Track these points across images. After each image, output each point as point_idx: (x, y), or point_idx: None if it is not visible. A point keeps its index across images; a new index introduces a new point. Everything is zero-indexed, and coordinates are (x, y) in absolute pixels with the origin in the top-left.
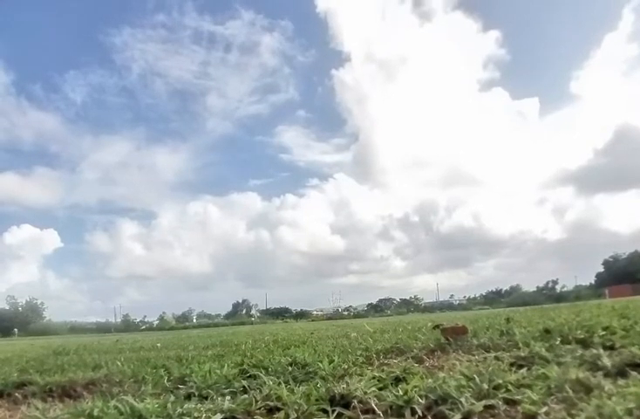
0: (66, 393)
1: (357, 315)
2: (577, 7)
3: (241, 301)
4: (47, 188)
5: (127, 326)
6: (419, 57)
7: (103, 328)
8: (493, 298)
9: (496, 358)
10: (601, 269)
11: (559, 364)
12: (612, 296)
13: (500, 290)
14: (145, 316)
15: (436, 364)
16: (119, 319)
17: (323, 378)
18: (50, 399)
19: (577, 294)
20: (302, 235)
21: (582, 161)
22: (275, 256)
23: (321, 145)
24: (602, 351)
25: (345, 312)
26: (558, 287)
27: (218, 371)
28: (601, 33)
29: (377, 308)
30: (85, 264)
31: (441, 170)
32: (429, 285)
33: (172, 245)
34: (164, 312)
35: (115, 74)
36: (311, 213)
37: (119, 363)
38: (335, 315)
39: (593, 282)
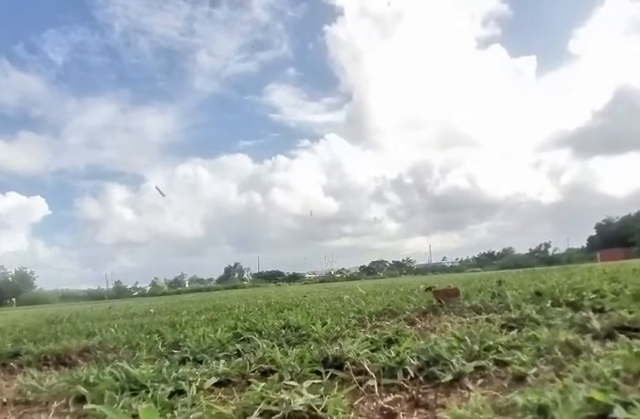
0: (61, 361)
1: (350, 278)
2: None
3: (233, 265)
4: (32, 154)
5: (119, 292)
6: (416, 12)
7: (95, 295)
8: (486, 261)
9: (487, 320)
10: (593, 233)
11: (549, 326)
12: (604, 260)
13: (493, 252)
14: (137, 282)
15: (428, 326)
16: (110, 286)
17: (316, 340)
18: (45, 367)
19: (569, 257)
20: (295, 197)
21: (580, 122)
22: (267, 219)
23: (312, 104)
24: (591, 314)
25: (338, 275)
26: (550, 250)
27: (212, 335)
28: None
29: (369, 270)
30: (74, 231)
31: (436, 131)
32: (422, 247)
33: (162, 210)
34: (156, 278)
35: (97, 32)
36: (303, 175)
37: (112, 330)
38: (327, 278)
39: (585, 246)
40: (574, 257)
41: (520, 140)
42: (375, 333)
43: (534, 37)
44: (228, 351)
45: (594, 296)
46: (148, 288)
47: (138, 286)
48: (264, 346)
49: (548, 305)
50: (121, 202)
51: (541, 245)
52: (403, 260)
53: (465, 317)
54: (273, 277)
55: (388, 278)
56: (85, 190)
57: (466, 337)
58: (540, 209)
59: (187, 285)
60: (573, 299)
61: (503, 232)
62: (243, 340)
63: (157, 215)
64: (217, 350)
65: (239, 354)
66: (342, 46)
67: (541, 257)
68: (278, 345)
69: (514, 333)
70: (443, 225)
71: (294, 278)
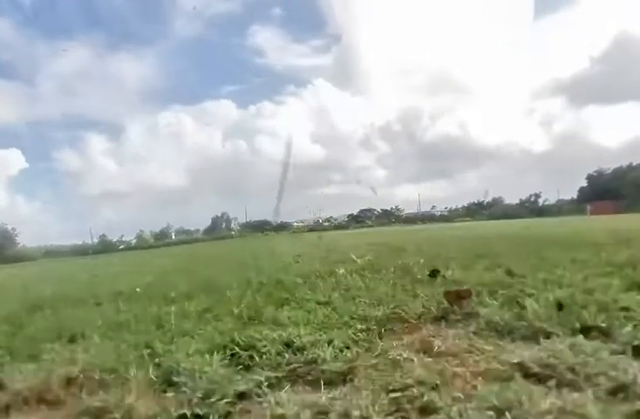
0: None
1: (338, 226)
2: None
3: (220, 215)
4: (5, 103)
5: (105, 246)
6: None
7: (80, 251)
8: (475, 211)
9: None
10: (585, 184)
11: None
12: (594, 212)
13: (482, 202)
14: (122, 235)
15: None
16: (95, 240)
17: None
18: None
19: (559, 209)
20: (281, 144)
21: (576, 69)
22: (254, 167)
23: (299, 47)
24: None
25: (326, 224)
26: (540, 201)
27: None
28: None
29: (357, 219)
30: (54, 184)
31: (427, 76)
32: (410, 195)
33: (145, 159)
34: (141, 230)
35: None
36: (290, 121)
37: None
38: (316, 227)
39: (576, 197)
40: (564, 209)
41: (513, 86)
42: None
43: None
44: None
45: None
46: (134, 241)
47: (123, 240)
48: None
49: None
50: (101, 152)
51: (531, 196)
52: (391, 209)
53: (486, 340)
54: (261, 226)
55: (377, 228)
56: (63, 141)
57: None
58: (531, 159)
59: (173, 237)
60: None
61: (493, 181)
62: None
63: (140, 165)
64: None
65: None
66: None
67: (531, 208)
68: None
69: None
70: (432, 173)
71: (282, 227)
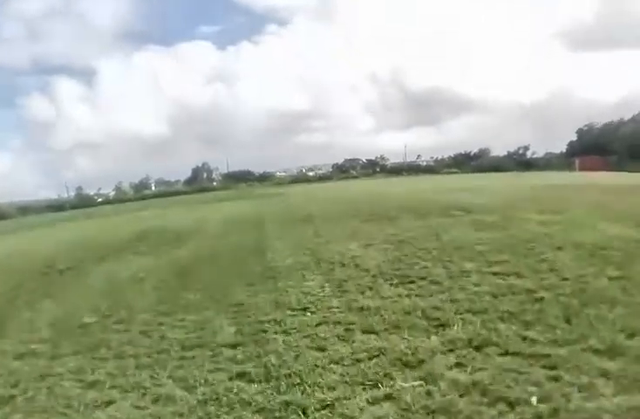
0: None
1: (323, 177)
2: None
3: (200, 165)
4: None
5: (82, 200)
6: None
7: (56, 206)
8: (462, 161)
9: None
10: (574, 138)
11: None
12: (582, 168)
13: (470, 153)
14: (100, 188)
15: None
16: (72, 193)
17: None
18: None
19: (547, 162)
20: (262, 89)
21: (571, 16)
22: (235, 113)
23: None
24: None
25: (311, 173)
26: (529, 154)
27: None
28: None
29: (342, 169)
30: (24, 134)
31: (417, 21)
32: (396, 144)
33: (120, 106)
34: (120, 182)
35: None
36: (271, 64)
37: None
38: (299, 177)
39: (565, 151)
40: (552, 163)
41: (505, 34)
42: None
43: None
44: None
45: None
46: (112, 194)
47: (101, 193)
48: None
49: None
50: (73, 98)
51: (519, 148)
52: (376, 158)
53: None
54: (243, 177)
55: (362, 179)
56: (32, 87)
57: None
58: (521, 109)
59: (153, 188)
60: None
61: (481, 131)
62: None
63: (115, 112)
64: None
65: None
66: None
67: (519, 161)
68: None
69: None
70: (419, 121)
71: (264, 177)
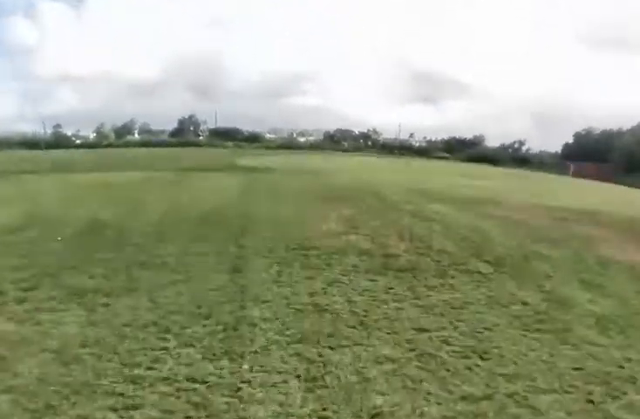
0: None
1: (314, 146)
2: None
3: (187, 117)
4: None
5: (58, 140)
6: None
7: (31, 143)
8: (455, 147)
9: None
10: (570, 140)
11: None
12: (576, 174)
13: (464, 139)
14: (79, 130)
15: None
16: (49, 131)
17: None
18: None
19: (541, 160)
20: (261, 44)
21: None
22: (229, 65)
23: None
24: None
25: (302, 139)
26: (524, 149)
27: None
28: None
29: (333, 139)
30: (4, 59)
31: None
32: (390, 118)
33: (110, 40)
34: (102, 124)
35: None
36: (272, 21)
37: None
38: (289, 142)
39: (559, 151)
40: (546, 162)
41: (518, 24)
42: None
43: None
44: None
45: None
46: (92, 136)
47: (80, 134)
48: None
49: None
50: (60, 24)
51: (515, 142)
52: (369, 130)
53: None
54: (231, 134)
55: (352, 153)
56: (15, 8)
57: None
58: (521, 102)
59: (136, 135)
60: None
61: (478, 117)
62: None
63: (104, 46)
64: None
65: None
66: None
67: (513, 155)
68: None
69: None
70: (417, 98)
71: (253, 138)
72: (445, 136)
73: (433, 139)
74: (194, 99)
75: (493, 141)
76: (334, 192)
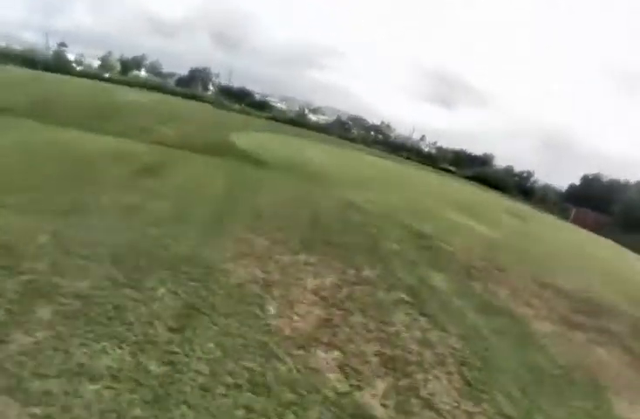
0: None
1: (321, 129)
2: None
3: (202, 68)
4: None
5: (58, 63)
6: None
7: (29, 60)
8: (462, 161)
9: None
10: (576, 181)
11: None
12: (576, 219)
13: (471, 154)
14: (82, 54)
15: None
16: (53, 47)
17: None
18: None
19: (544, 196)
20: (295, 9)
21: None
22: (258, 22)
23: None
24: None
25: (313, 117)
26: (532, 180)
27: None
28: None
29: (343, 126)
30: None
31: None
32: (403, 113)
33: None
34: (109, 52)
35: None
36: None
37: None
38: (299, 118)
39: (564, 190)
40: (548, 199)
41: (553, 50)
42: None
43: None
44: None
45: None
46: (97, 64)
47: (82, 60)
48: None
49: None
50: None
51: (523, 172)
52: (382, 123)
53: None
54: (241, 97)
55: (363, 148)
56: None
57: None
58: (538, 125)
59: (143, 73)
60: None
61: (491, 130)
62: None
63: None
64: None
65: None
66: None
67: (518, 184)
68: None
69: None
70: (434, 98)
71: (262, 105)
72: (455, 144)
73: (444, 146)
74: (214, 48)
75: (500, 160)
76: (334, 225)
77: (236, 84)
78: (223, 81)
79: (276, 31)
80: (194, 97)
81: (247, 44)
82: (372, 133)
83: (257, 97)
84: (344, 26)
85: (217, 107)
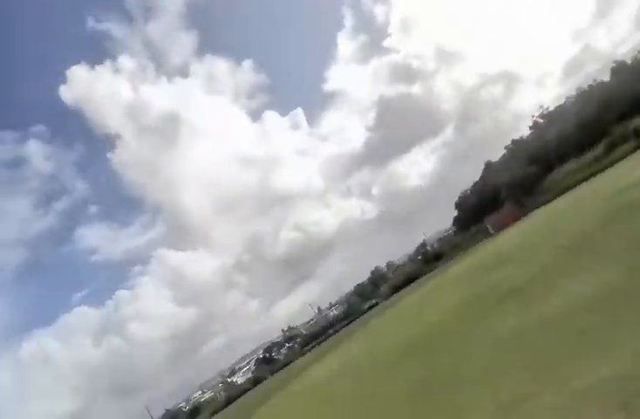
0: None
1: (255, 381)
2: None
3: None
4: None
5: None
6: (190, 115)
7: None
8: (365, 291)
9: None
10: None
11: None
12: (498, 226)
13: (363, 282)
14: None
15: None
16: None
17: None
18: None
19: (454, 244)
20: (152, 323)
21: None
22: (135, 356)
23: (127, 230)
24: None
25: (237, 380)
26: (429, 248)
27: None
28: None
29: (265, 359)
30: None
31: (250, 202)
32: (289, 308)
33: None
34: None
35: None
36: (149, 298)
37: None
38: (230, 393)
39: (454, 228)
40: (455, 243)
41: (324, 176)
42: None
43: (292, 91)
44: None
45: None
46: None
47: None
48: None
49: None
50: None
51: (418, 247)
52: (289, 329)
53: None
54: None
55: (296, 368)
56: None
57: None
58: (369, 226)
59: None
60: None
61: (349, 261)
62: None
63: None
64: None
65: None
66: (131, 166)
67: (425, 258)
68: None
69: None
70: (296, 280)
71: (195, 412)
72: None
73: (343, 296)
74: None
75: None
76: None
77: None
78: None
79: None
80: None
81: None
82: (290, 344)
83: (185, 410)
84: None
85: None
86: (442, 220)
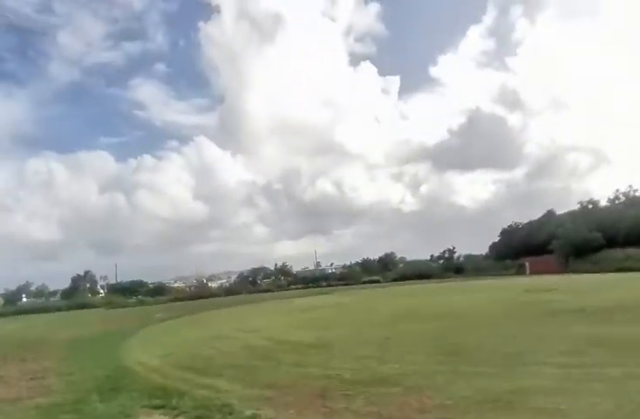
0: None
1: (230, 291)
2: None
3: (83, 274)
4: None
5: None
6: (296, 19)
7: None
8: (371, 268)
9: None
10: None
11: None
12: (534, 270)
13: (377, 259)
14: None
15: None
16: None
17: None
18: None
19: (476, 265)
20: (161, 200)
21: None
22: (132, 222)
23: (181, 104)
24: None
25: (212, 285)
26: (455, 256)
27: None
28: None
29: (248, 279)
30: None
31: (307, 139)
32: (289, 250)
33: (9, 208)
34: None
35: None
36: (171, 177)
37: None
38: (201, 290)
39: (488, 253)
40: (481, 266)
41: (384, 151)
42: None
43: (401, 57)
44: None
45: None
46: None
47: None
48: None
49: None
50: None
51: (445, 251)
52: (284, 265)
53: None
54: (134, 289)
55: (278, 293)
56: None
57: None
58: (401, 217)
59: (23, 299)
60: None
61: (368, 237)
62: None
63: (3, 213)
64: None
65: None
66: (217, 46)
67: (447, 265)
68: None
69: None
70: (311, 230)
71: (159, 290)
72: (359, 259)
73: (347, 263)
74: (97, 255)
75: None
76: None
77: (128, 278)
78: (112, 279)
79: (151, 223)
80: (82, 306)
81: (126, 242)
82: (280, 276)
83: (151, 285)
84: (212, 196)
85: (109, 307)
86: (470, 247)
